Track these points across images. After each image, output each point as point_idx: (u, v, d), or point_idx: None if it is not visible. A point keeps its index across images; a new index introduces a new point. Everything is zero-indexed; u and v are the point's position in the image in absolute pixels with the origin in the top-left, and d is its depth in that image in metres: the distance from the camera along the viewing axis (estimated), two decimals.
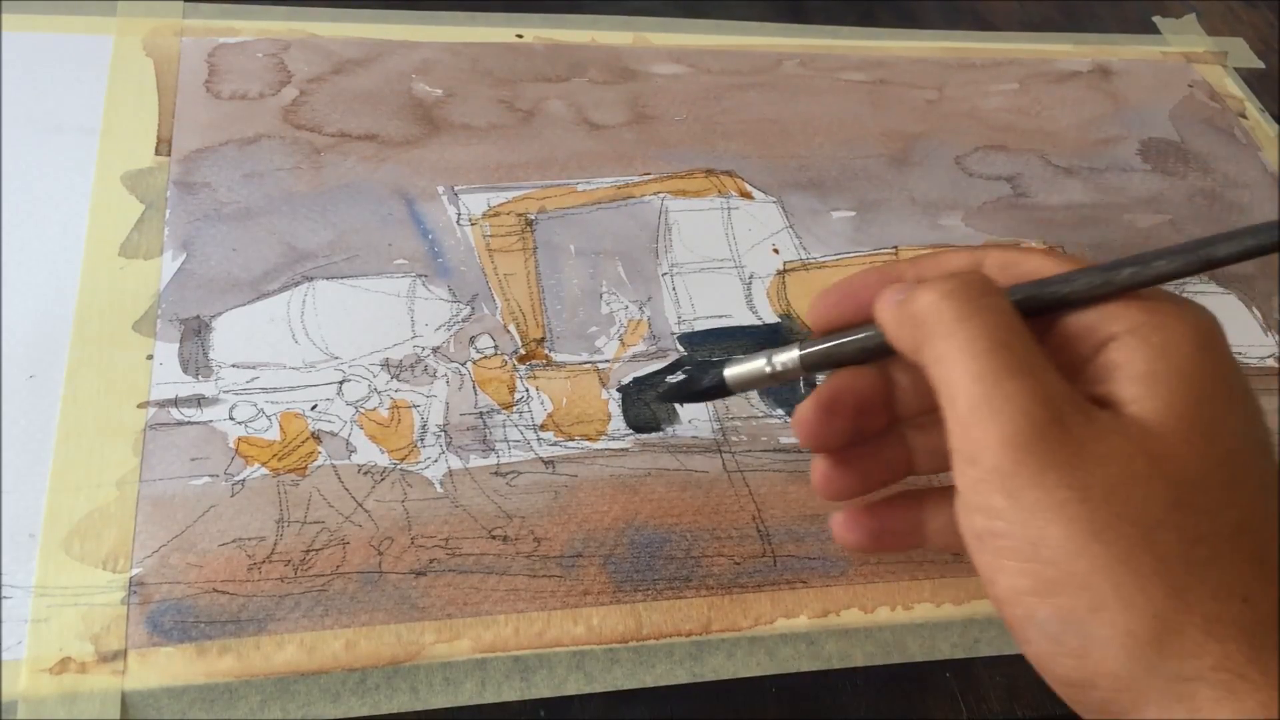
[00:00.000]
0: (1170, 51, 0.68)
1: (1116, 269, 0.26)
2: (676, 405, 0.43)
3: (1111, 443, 0.23)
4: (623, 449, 0.42)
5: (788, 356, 0.31)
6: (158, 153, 0.48)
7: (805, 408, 0.29)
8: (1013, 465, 0.23)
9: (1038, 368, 0.24)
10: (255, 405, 0.40)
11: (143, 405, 0.40)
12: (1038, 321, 0.27)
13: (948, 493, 0.27)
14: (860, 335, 0.29)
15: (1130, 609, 0.22)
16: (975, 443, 0.24)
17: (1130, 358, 0.25)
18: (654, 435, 0.42)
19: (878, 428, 0.31)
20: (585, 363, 0.44)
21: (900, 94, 0.60)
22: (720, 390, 0.32)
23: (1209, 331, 0.25)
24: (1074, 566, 0.22)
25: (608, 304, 0.46)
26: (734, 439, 0.43)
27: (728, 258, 0.49)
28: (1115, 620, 0.22)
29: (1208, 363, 0.24)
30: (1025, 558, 0.23)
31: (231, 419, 0.40)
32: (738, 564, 0.39)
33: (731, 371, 0.32)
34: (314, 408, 0.41)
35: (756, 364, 0.31)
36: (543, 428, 0.42)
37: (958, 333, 0.25)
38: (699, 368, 0.35)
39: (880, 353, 0.29)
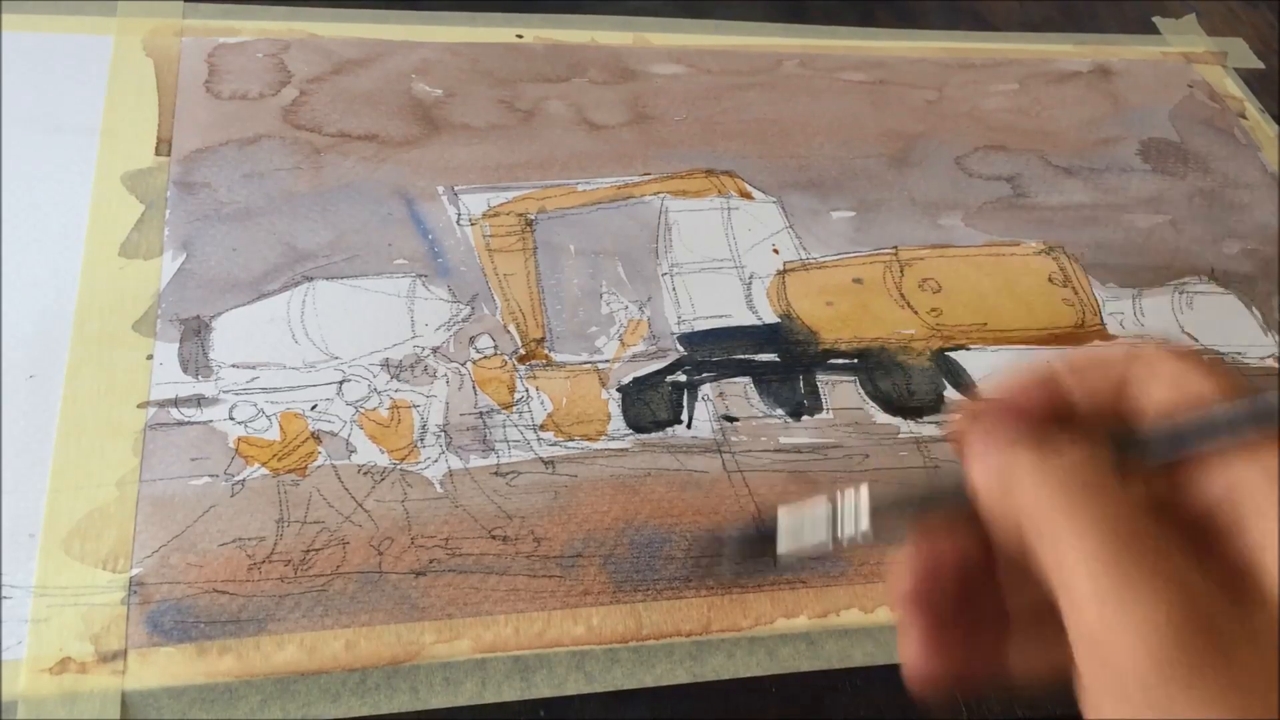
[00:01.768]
0: (1170, 51, 0.68)
1: None
2: (680, 405, 0.43)
3: (1269, 650, 0.21)
4: (623, 449, 0.42)
5: (857, 528, 0.24)
6: (158, 153, 0.48)
7: (903, 581, 0.25)
8: (1157, 682, 0.21)
9: (1174, 564, 0.21)
10: (255, 405, 0.40)
11: (143, 405, 0.40)
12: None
13: (1034, 625, 0.25)
14: (947, 493, 0.24)
15: None
16: (1110, 660, 0.21)
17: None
18: (654, 435, 0.42)
19: (975, 585, 0.26)
20: (585, 363, 0.44)
21: (900, 94, 0.60)
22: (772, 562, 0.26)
23: None
24: None
25: (608, 304, 0.46)
26: (734, 439, 0.43)
27: (728, 258, 0.49)
28: None
29: None
30: None
31: (231, 419, 0.40)
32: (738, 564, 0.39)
33: (786, 549, 0.25)
34: (314, 408, 0.41)
35: (817, 537, 0.25)
36: (543, 428, 0.42)
37: (1071, 534, 0.22)
38: (749, 540, 0.28)
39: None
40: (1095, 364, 0.25)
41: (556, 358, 0.44)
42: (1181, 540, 0.22)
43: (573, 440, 0.42)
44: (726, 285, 0.48)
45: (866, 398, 0.45)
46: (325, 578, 0.37)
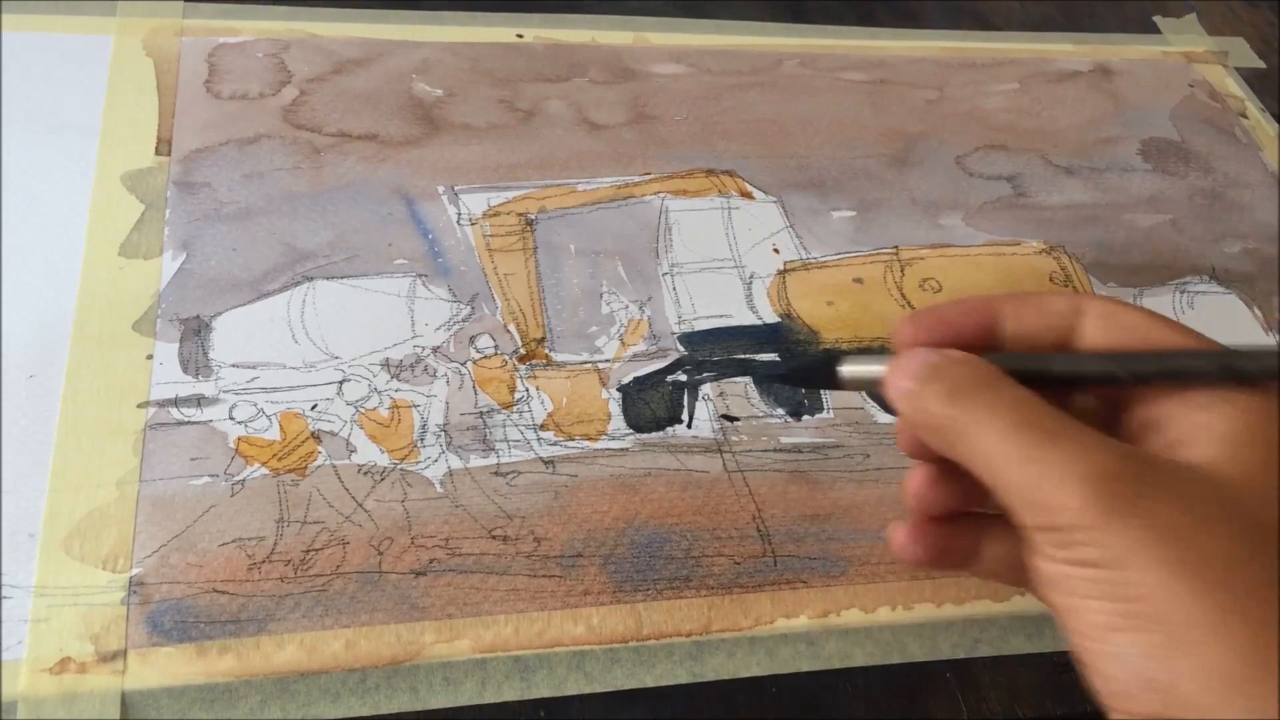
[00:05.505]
0: (1171, 51, 0.68)
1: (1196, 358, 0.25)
2: (680, 405, 0.43)
3: (1191, 488, 0.24)
4: (623, 449, 0.42)
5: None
6: (158, 153, 0.48)
7: (918, 480, 0.29)
8: (1095, 513, 0.23)
9: (1082, 430, 0.25)
10: (255, 405, 0.40)
11: (143, 405, 0.40)
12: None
13: (1006, 524, 0.27)
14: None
15: (1213, 645, 0.22)
16: (1048, 510, 0.24)
17: (1209, 421, 0.25)
18: (654, 435, 0.42)
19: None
20: (585, 363, 0.44)
21: (900, 94, 0.60)
22: (829, 380, 0.30)
23: None
24: (1158, 603, 0.22)
25: (608, 304, 0.46)
26: (734, 439, 0.43)
27: (728, 257, 0.49)
28: (1199, 655, 0.22)
29: None
30: (1109, 596, 0.23)
31: (231, 419, 0.40)
32: (738, 564, 0.39)
33: (848, 370, 0.30)
34: (314, 407, 0.41)
35: (875, 369, 0.29)
36: (543, 428, 0.42)
37: (982, 434, 0.25)
38: (814, 359, 0.33)
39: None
40: (1035, 302, 0.29)
41: (557, 357, 0.44)
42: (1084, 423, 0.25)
43: (573, 440, 0.42)
44: (727, 285, 0.48)
45: (867, 397, 0.45)
46: (325, 578, 0.37)
